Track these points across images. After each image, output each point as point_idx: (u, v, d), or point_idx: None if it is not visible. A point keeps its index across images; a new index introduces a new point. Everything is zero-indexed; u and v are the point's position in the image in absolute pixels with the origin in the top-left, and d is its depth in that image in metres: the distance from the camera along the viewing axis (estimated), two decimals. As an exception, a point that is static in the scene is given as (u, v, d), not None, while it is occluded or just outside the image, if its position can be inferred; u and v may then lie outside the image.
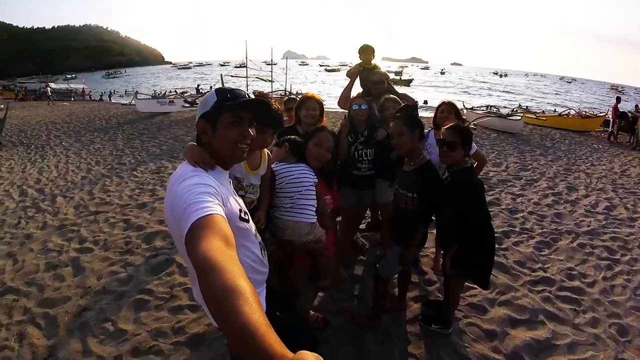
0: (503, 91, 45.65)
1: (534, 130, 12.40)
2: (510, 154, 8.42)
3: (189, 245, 0.83)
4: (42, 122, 14.46)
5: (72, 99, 28.07)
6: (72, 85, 36.61)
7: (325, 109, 2.88)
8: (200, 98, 17.66)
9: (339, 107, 3.59)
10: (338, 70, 76.47)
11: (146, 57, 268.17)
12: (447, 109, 3.12)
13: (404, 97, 3.49)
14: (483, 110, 14.43)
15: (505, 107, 17.66)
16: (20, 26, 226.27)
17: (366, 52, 3.91)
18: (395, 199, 2.41)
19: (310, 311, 2.51)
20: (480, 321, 2.66)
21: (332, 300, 2.87)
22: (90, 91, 34.42)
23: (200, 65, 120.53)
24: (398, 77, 45.55)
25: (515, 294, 2.98)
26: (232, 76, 22.34)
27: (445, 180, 2.31)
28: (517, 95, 39.76)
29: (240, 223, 1.22)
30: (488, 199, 4.99)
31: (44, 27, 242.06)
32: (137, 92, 19.50)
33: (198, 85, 30.18)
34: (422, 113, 13.65)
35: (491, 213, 4.36)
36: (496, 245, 3.49)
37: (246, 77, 16.67)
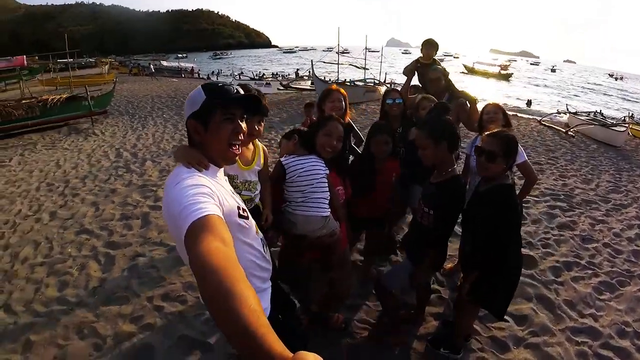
0: (618, 97, 38.27)
1: (640, 146, 10.32)
2: (605, 170, 7.22)
3: (187, 248, 0.83)
4: (149, 95, 16.33)
5: (182, 76, 31.09)
6: (182, 64, 40.20)
7: None
8: (298, 82, 18.59)
9: None
10: (441, 60, 71.59)
11: (254, 41, 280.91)
12: (494, 110, 2.77)
13: (463, 95, 3.36)
14: (586, 116, 12.53)
15: (612, 118, 14.79)
16: (136, 10, 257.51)
17: (428, 46, 3.81)
18: (414, 210, 2.28)
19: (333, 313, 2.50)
20: None
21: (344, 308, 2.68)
22: (199, 70, 37.52)
23: (305, 49, 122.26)
24: (498, 72, 41.80)
25: (549, 339, 2.53)
26: (324, 62, 22.59)
27: (478, 196, 2.00)
28: (635, 104, 32.65)
29: (239, 220, 1.20)
30: (564, 220, 4.45)
31: (159, 11, 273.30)
32: (241, 73, 20.55)
33: (297, 70, 31.06)
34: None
35: (561, 237, 3.98)
36: (552, 277, 3.23)
37: (337, 63, 16.73)
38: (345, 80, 13.54)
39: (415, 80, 3.97)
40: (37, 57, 26.25)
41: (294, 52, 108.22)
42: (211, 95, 1.16)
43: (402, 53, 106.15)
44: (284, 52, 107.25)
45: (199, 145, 1.20)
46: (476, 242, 1.92)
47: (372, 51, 18.42)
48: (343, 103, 2.64)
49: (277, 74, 29.78)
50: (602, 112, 14.94)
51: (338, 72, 16.74)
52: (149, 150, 7.44)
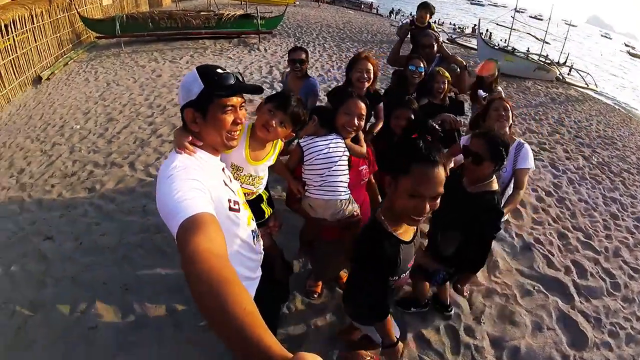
0: None
1: None
2: None
3: (179, 250, 0.82)
4: (320, 23, 16.90)
5: (360, 9, 30.81)
6: None
7: None
8: (464, 38, 16.65)
9: None
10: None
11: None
12: (504, 108, 2.44)
13: (454, 60, 3.28)
14: None
15: None
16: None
17: (422, 10, 3.69)
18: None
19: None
20: None
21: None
22: (378, 6, 36.57)
23: (495, 5, 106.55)
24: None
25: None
26: (496, 24, 19.33)
27: (470, 197, 1.89)
28: None
29: (229, 213, 1.20)
30: None
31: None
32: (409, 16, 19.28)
33: (475, 25, 27.70)
34: None
35: None
36: None
37: (511, 28, 14.00)
38: (514, 49, 11.18)
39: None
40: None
41: (483, 4, 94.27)
42: (209, 85, 1.13)
43: (601, 36, 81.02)
44: (471, 4, 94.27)
45: (196, 134, 1.19)
46: (467, 244, 1.90)
47: (548, 21, 14.39)
48: (371, 74, 2.49)
49: (455, 25, 26.82)
50: None
51: (509, 38, 14.03)
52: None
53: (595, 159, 5.76)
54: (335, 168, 1.85)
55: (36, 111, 5.90)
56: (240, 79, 1.20)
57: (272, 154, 1.71)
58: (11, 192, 3.68)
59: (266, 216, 1.82)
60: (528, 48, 13.34)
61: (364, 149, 2.03)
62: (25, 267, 2.70)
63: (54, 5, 9.39)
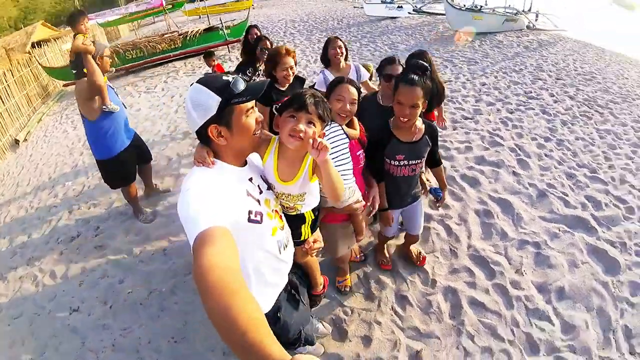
0: None
1: None
2: None
3: (193, 262, 0.87)
4: (284, 20, 17.07)
5: None
6: None
7: None
8: (432, 5, 16.52)
9: None
10: None
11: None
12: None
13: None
14: None
15: None
16: None
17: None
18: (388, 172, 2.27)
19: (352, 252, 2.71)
20: (519, 359, 2.32)
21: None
22: None
23: None
24: None
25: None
26: None
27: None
28: None
29: (249, 224, 1.19)
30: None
31: None
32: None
33: None
34: None
35: None
36: (626, 295, 2.61)
37: None
38: (480, 7, 11.35)
39: None
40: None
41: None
42: (227, 96, 1.12)
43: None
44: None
45: (223, 147, 1.19)
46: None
47: None
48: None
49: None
50: None
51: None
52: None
53: (581, 96, 5.97)
54: (340, 157, 1.86)
55: (22, 177, 5.61)
56: (249, 80, 1.23)
57: (302, 172, 1.43)
58: (20, 271, 3.40)
59: (302, 238, 1.67)
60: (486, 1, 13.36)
61: (357, 131, 2.06)
62: (59, 349, 2.56)
63: (15, 63, 9.21)
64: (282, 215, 1.49)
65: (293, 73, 2.74)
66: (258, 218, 1.24)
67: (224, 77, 1.15)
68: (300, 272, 1.84)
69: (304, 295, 1.79)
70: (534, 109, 5.54)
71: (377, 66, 2.61)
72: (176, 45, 11.41)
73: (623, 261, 2.78)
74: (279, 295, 1.49)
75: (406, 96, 1.88)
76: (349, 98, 1.90)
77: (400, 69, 2.42)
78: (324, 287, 2.13)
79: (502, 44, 9.83)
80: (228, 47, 11.58)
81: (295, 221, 1.58)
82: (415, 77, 1.86)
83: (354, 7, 19.73)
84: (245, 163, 1.34)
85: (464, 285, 2.67)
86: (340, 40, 3.15)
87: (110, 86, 3.26)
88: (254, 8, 13.87)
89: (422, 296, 2.61)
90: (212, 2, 19.54)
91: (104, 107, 3.11)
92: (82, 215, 4.13)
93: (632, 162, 4.12)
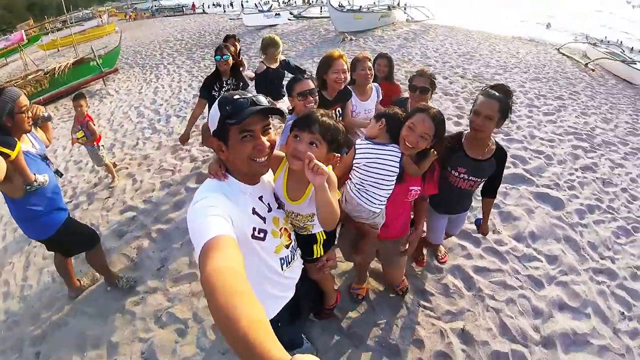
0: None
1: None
2: (623, 110, 6.68)
3: (199, 268, 0.88)
4: (156, 41, 15.18)
5: (184, 13, 29.19)
6: (183, 0, 36.94)
7: None
8: (309, 9, 16.84)
9: None
10: None
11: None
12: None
13: None
14: (605, 48, 10.68)
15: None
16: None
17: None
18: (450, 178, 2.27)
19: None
20: (533, 296, 2.61)
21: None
22: (203, 4, 33.52)
23: None
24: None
25: (575, 278, 2.78)
26: None
27: None
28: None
29: (252, 240, 1.22)
30: (586, 161, 4.41)
31: None
32: (242, 6, 18.49)
33: None
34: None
35: (584, 180, 4.02)
36: (577, 220, 3.37)
37: None
38: (360, 7, 12.53)
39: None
40: (31, 22, 25.08)
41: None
42: (224, 112, 1.10)
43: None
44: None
45: (229, 164, 1.22)
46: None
47: None
48: (347, 72, 2.50)
49: (286, 1, 27.52)
50: (621, 42, 12.90)
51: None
52: (169, 104, 7.00)
53: (470, 74, 7.04)
54: (379, 182, 1.82)
55: None
56: (256, 100, 1.12)
57: (310, 191, 1.40)
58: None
59: (314, 256, 1.66)
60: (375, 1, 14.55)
61: (419, 170, 1.89)
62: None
63: None
64: (292, 233, 1.50)
65: (345, 78, 2.50)
66: (261, 235, 1.27)
67: (236, 96, 1.12)
68: (307, 283, 1.76)
69: (304, 310, 1.80)
70: (436, 93, 6.20)
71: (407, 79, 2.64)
72: (43, 87, 9.20)
73: (562, 196, 3.49)
74: (282, 308, 1.50)
75: (483, 106, 1.90)
76: (421, 131, 1.72)
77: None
78: (336, 300, 2.15)
79: (384, 39, 10.91)
80: (104, 80, 9.86)
81: (307, 240, 1.60)
82: (496, 92, 1.91)
83: (230, 19, 19.51)
84: (258, 181, 1.33)
85: (462, 259, 2.89)
86: (370, 59, 2.75)
87: (34, 142, 2.36)
88: (117, 32, 12.42)
89: (436, 282, 2.69)
90: (67, 32, 16.99)
91: (27, 186, 2.19)
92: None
93: (532, 119, 5.09)
